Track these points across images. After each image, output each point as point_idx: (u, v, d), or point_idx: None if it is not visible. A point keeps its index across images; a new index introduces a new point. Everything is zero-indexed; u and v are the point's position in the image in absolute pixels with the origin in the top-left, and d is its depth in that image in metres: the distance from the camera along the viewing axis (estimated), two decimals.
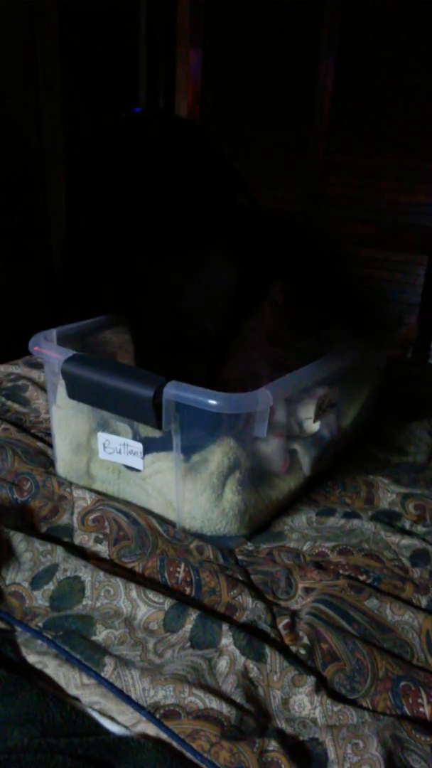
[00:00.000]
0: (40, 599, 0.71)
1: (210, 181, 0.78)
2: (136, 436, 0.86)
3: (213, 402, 0.72)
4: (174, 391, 0.74)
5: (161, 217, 0.76)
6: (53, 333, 0.93)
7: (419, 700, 0.60)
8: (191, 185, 0.77)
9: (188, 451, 0.82)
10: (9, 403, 1.16)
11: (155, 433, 0.84)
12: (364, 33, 2.17)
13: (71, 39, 2.72)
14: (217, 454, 0.81)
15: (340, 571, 0.77)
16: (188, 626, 0.67)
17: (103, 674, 0.61)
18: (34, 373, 1.29)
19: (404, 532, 0.86)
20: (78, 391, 0.83)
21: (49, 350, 0.86)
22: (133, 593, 0.70)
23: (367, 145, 2.26)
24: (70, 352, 0.83)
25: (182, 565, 0.75)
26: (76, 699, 0.60)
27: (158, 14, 2.86)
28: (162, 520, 0.84)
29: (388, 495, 0.93)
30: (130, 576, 0.74)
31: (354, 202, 2.32)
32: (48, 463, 0.97)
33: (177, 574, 0.75)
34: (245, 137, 2.45)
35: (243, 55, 2.45)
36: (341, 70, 2.23)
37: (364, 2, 2.13)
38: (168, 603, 0.69)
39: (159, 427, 0.76)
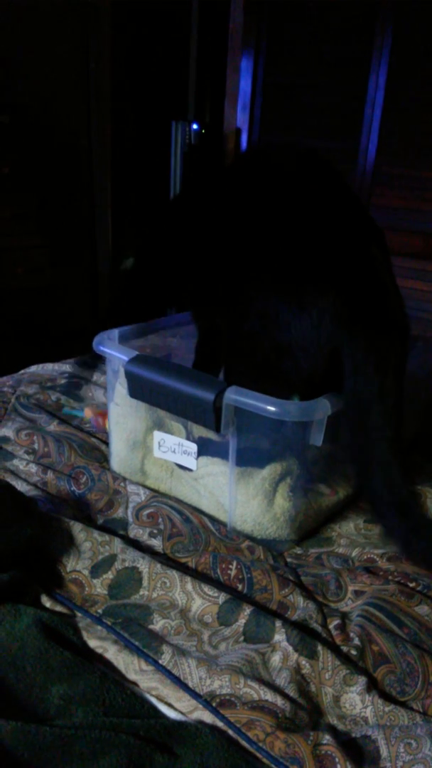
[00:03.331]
0: (99, 587, 0.74)
1: (344, 229, 0.81)
2: (189, 437, 0.89)
3: (272, 408, 0.74)
4: (234, 395, 0.77)
5: (287, 252, 0.79)
6: (115, 333, 0.96)
7: None
8: (323, 228, 0.79)
9: (246, 460, 0.84)
10: (64, 399, 1.20)
11: (210, 435, 0.87)
12: (416, 46, 2.18)
13: (123, 47, 2.79)
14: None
15: (390, 578, 0.78)
16: (242, 621, 0.69)
17: (161, 662, 0.64)
18: (87, 372, 1.33)
19: None
20: (139, 390, 0.86)
21: (112, 350, 0.89)
22: (189, 586, 0.72)
23: (416, 156, 2.26)
24: (133, 353, 0.87)
25: (234, 563, 0.78)
26: (135, 684, 0.63)
27: (210, 23, 2.91)
28: (213, 519, 0.87)
29: None
30: (184, 570, 0.76)
31: (401, 213, 2.32)
32: (102, 458, 1.01)
33: (229, 571, 0.77)
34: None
35: (294, 65, 2.48)
36: (392, 82, 2.24)
37: (415, 16, 2.14)
38: (222, 597, 0.71)
39: (218, 430, 0.79)
